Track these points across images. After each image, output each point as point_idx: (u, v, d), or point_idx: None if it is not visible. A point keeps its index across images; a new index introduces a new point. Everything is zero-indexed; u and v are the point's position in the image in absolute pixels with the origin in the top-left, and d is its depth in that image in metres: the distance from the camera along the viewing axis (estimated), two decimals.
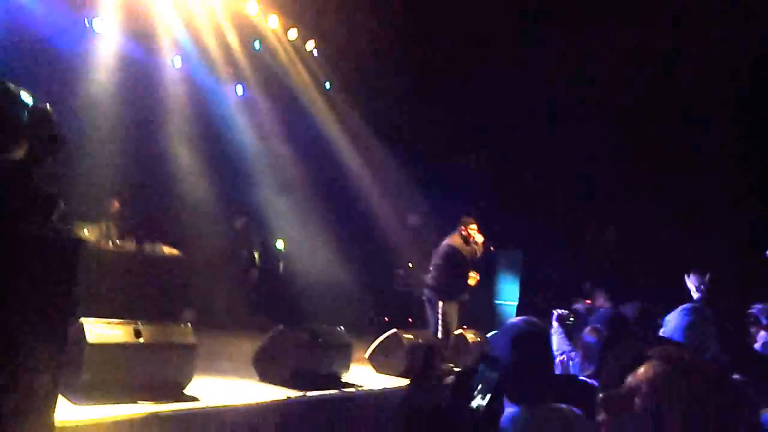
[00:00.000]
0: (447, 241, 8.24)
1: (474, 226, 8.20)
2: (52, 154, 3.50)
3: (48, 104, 3.52)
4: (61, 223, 3.49)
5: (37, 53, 8.37)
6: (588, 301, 9.26)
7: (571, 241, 10.99)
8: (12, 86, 3.43)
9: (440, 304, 8.06)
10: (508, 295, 11.46)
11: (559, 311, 4.94)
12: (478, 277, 8.28)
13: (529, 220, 10.91)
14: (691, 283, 5.07)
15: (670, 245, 9.31)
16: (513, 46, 9.44)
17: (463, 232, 8.17)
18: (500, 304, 11.43)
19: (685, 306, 4.65)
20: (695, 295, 4.98)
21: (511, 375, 2.27)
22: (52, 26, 8.61)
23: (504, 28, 9.42)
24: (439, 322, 8.00)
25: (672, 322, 4.73)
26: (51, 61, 8.44)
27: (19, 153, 3.37)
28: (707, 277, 5.02)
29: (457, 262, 8.09)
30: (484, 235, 8.24)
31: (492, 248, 8.58)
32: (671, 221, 9.61)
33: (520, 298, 11.30)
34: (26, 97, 3.43)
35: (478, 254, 8.20)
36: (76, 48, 8.96)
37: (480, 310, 10.11)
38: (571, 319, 5.09)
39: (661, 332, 4.65)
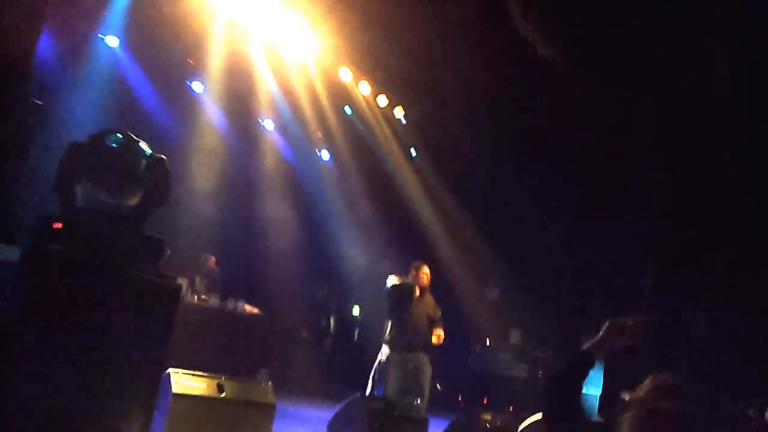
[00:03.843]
0: None
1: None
2: (164, 203, 3.57)
3: (164, 156, 3.62)
4: (166, 270, 3.53)
5: (141, 112, 8.84)
6: None
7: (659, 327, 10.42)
8: (132, 136, 3.55)
9: None
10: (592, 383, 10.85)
11: None
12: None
13: (614, 302, 10.44)
14: None
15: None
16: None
17: None
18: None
19: None
20: None
21: None
22: (152, 87, 9.10)
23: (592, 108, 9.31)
24: None
25: None
26: (153, 120, 8.89)
27: (135, 199, 3.45)
28: None
29: None
30: None
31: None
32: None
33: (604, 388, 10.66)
34: (144, 147, 3.53)
35: None
36: (175, 108, 9.41)
37: None
38: None
39: None
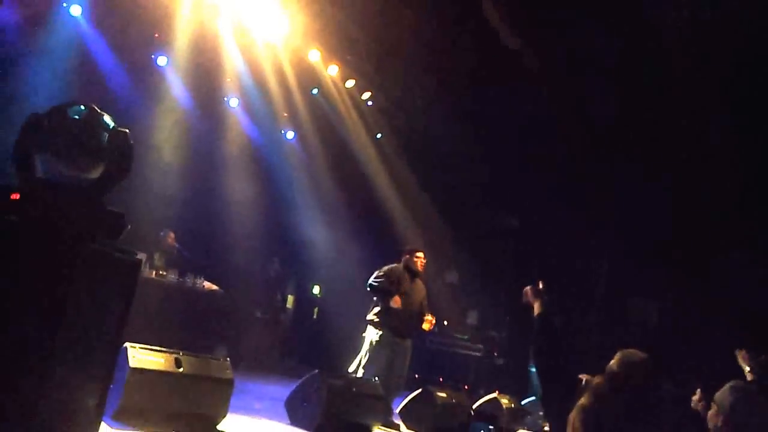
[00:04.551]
0: None
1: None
2: (125, 177, 3.57)
3: (127, 129, 3.61)
4: (126, 245, 3.53)
5: (104, 85, 8.70)
6: None
7: (610, 312, 10.72)
8: (94, 108, 3.54)
9: None
10: None
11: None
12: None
13: (567, 289, 10.69)
14: (743, 361, 4.84)
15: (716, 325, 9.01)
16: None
17: None
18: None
19: (733, 384, 4.51)
20: (748, 375, 4.74)
21: None
22: (116, 60, 8.95)
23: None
24: None
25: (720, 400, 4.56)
26: (117, 93, 8.76)
27: (96, 173, 3.45)
28: (762, 357, 4.79)
29: None
30: None
31: None
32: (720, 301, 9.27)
33: None
34: (107, 119, 3.52)
35: None
36: (140, 82, 9.27)
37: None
38: None
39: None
